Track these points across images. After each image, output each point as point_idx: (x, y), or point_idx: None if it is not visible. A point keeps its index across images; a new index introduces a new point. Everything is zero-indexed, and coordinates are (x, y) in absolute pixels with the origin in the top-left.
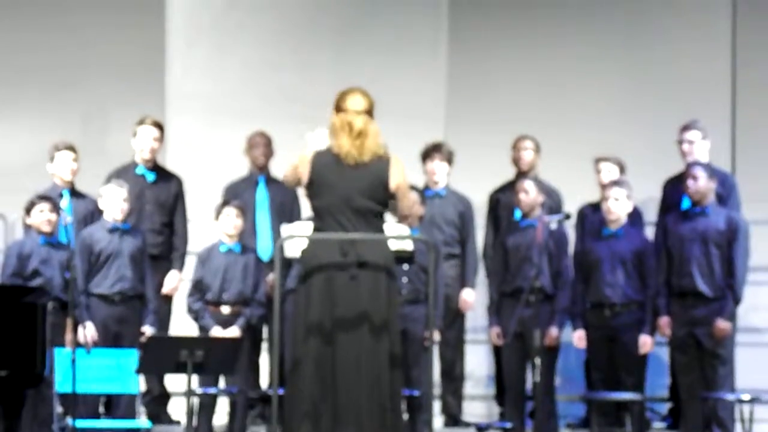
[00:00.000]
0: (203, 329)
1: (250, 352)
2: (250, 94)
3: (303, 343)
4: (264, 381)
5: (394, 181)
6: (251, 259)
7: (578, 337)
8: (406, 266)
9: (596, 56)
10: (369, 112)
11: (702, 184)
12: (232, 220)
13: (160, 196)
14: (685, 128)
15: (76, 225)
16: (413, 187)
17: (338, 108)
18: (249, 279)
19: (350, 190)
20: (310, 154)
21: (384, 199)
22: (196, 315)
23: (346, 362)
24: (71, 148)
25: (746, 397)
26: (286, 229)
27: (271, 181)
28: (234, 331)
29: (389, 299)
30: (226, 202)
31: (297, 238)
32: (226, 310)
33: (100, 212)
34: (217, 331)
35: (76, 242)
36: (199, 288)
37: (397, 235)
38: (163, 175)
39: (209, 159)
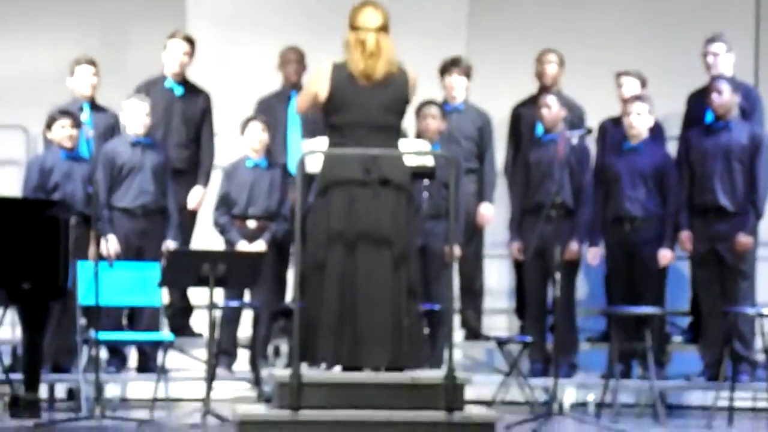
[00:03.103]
0: (229, 243)
1: (275, 266)
2: (270, 7)
3: (324, 249)
4: (289, 295)
5: (411, 96)
6: (277, 174)
7: (592, 255)
8: (426, 181)
9: None
10: (383, 28)
11: (726, 97)
12: (257, 134)
13: (188, 110)
14: (710, 41)
15: (96, 139)
16: (433, 102)
17: (351, 25)
18: (275, 194)
19: (371, 107)
20: (328, 68)
21: (403, 114)
22: (222, 229)
23: (368, 281)
24: (91, 62)
25: (767, 311)
26: (307, 144)
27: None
28: (260, 245)
29: (408, 225)
30: (251, 117)
31: (318, 152)
32: (252, 224)
33: (120, 127)
34: (243, 245)
35: (99, 156)
36: (225, 202)
37: (419, 151)
38: (191, 89)
39: (232, 72)
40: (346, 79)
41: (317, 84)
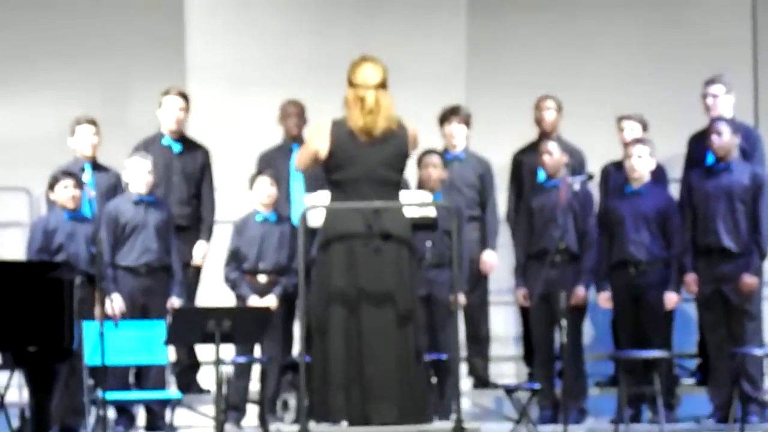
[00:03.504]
0: (240, 298)
1: (285, 320)
2: (270, 62)
3: (326, 310)
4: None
5: (412, 151)
6: (286, 228)
7: (603, 299)
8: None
9: (616, 14)
10: (382, 84)
11: (726, 139)
12: (266, 189)
13: (187, 166)
14: (710, 82)
15: (99, 199)
16: (434, 151)
17: (350, 82)
18: (285, 248)
19: (371, 163)
20: (328, 124)
21: (403, 169)
22: (233, 284)
23: (373, 337)
24: (92, 122)
25: None
26: (309, 198)
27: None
28: (271, 300)
29: (411, 269)
30: (260, 172)
31: (320, 207)
32: (263, 279)
33: (123, 185)
34: (254, 300)
35: (102, 215)
36: (235, 257)
37: (420, 202)
38: (189, 145)
39: (234, 128)
40: (346, 136)
41: (317, 141)
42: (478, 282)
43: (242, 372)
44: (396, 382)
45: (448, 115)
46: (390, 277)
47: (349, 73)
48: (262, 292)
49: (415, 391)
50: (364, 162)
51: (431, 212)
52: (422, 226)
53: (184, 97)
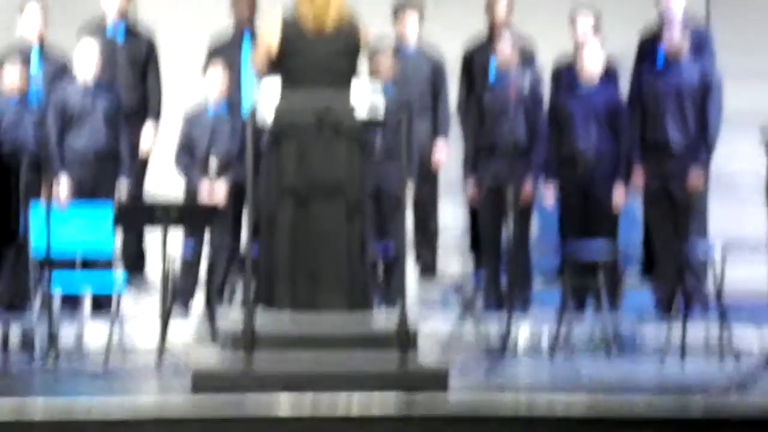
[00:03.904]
0: (191, 183)
1: (235, 210)
2: None
3: (277, 203)
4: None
5: (363, 46)
6: (238, 117)
7: (546, 196)
8: None
9: None
10: None
11: (676, 38)
12: (218, 77)
13: (132, 52)
14: None
15: (46, 83)
16: (386, 42)
17: None
18: (236, 138)
19: (322, 54)
20: (278, 18)
21: (355, 62)
22: (184, 168)
23: (322, 228)
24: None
25: (718, 246)
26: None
27: (256, 35)
28: (221, 187)
29: (362, 174)
30: (212, 60)
31: (270, 98)
32: (213, 166)
33: (71, 69)
34: (204, 186)
35: (49, 99)
36: (186, 147)
37: (370, 97)
38: (133, 33)
39: (183, 11)
40: (296, 29)
41: (268, 36)
42: (428, 175)
43: (192, 258)
44: (342, 271)
45: (401, 9)
46: (340, 171)
47: None
48: (212, 180)
49: (360, 282)
50: (314, 53)
51: (380, 107)
52: (370, 123)
53: None
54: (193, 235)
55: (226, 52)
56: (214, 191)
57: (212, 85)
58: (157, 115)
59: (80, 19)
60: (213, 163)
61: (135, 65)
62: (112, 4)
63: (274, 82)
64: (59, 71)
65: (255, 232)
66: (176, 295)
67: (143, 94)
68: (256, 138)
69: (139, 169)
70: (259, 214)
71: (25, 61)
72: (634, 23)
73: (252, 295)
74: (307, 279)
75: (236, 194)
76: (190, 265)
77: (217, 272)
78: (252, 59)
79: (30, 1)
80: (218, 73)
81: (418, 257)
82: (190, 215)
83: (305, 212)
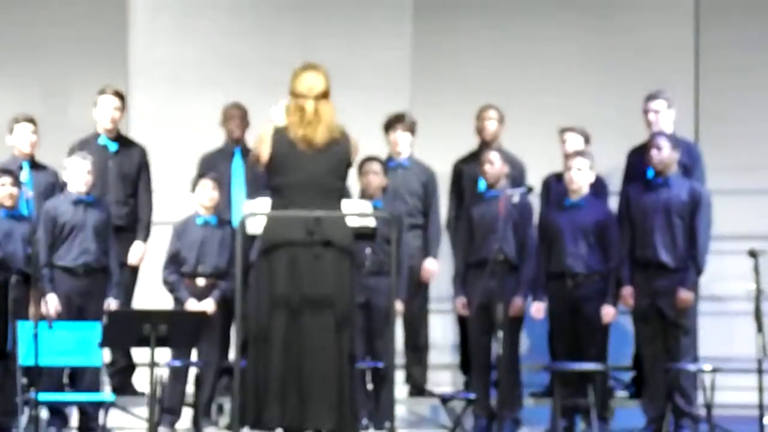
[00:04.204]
0: (178, 301)
1: (223, 324)
2: (213, 64)
3: (268, 316)
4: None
5: (353, 159)
6: (227, 231)
7: (536, 309)
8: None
9: (561, 25)
10: (324, 95)
11: (665, 154)
12: (208, 192)
13: (123, 166)
14: (650, 98)
15: (36, 198)
16: (375, 158)
17: (292, 91)
18: (225, 252)
19: (312, 170)
20: (270, 131)
21: (345, 177)
22: (171, 287)
23: (312, 342)
24: (31, 120)
25: (708, 367)
26: (249, 204)
27: (246, 152)
28: (209, 304)
29: (351, 276)
30: (202, 174)
31: (260, 214)
32: (201, 282)
33: (61, 184)
34: (192, 304)
35: (40, 214)
36: (175, 260)
37: (360, 212)
38: (125, 144)
39: (175, 129)
40: (286, 144)
41: (260, 146)
42: (418, 289)
43: (178, 375)
44: (333, 391)
45: (393, 123)
46: (330, 284)
47: (291, 82)
48: (200, 295)
49: (347, 397)
50: (304, 169)
51: (371, 222)
52: (362, 235)
53: (120, 96)
54: (181, 352)
55: (217, 167)
56: (202, 309)
57: (201, 198)
58: (146, 233)
59: (70, 134)
60: (200, 281)
61: (126, 177)
62: (104, 116)
63: (264, 200)
64: (50, 186)
65: (244, 347)
66: (163, 412)
67: (134, 208)
68: (246, 251)
69: (128, 284)
70: (249, 328)
71: (16, 176)
72: (623, 140)
73: (239, 415)
74: (297, 397)
75: (225, 310)
76: (177, 380)
77: (205, 389)
78: (250, 159)
79: (21, 121)
80: (208, 187)
81: (408, 375)
82: (178, 331)
83: (295, 325)
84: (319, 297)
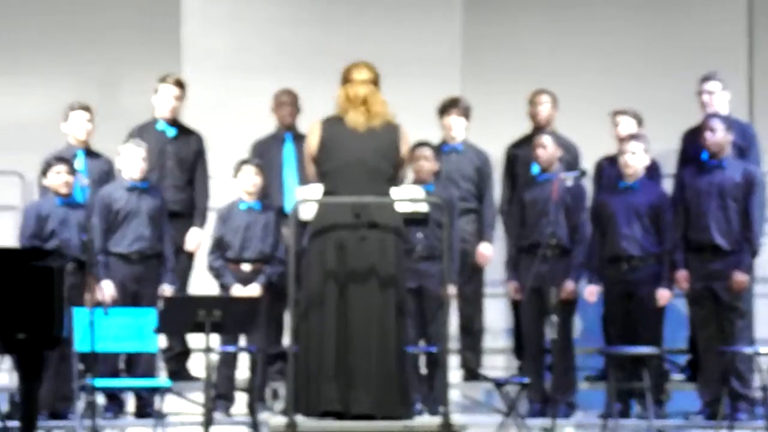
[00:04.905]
0: (224, 287)
1: (271, 309)
2: (265, 51)
3: (321, 285)
4: (286, 337)
5: (402, 152)
6: (271, 216)
7: (589, 292)
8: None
9: (613, 8)
10: (374, 82)
11: (719, 136)
12: (250, 177)
13: (181, 152)
14: (705, 79)
15: (91, 185)
16: (426, 143)
17: (345, 80)
18: (269, 237)
19: (364, 152)
20: (317, 122)
21: (394, 163)
22: (216, 273)
23: (358, 322)
24: (86, 108)
25: (764, 349)
26: (300, 191)
27: (297, 138)
28: (254, 289)
29: (397, 256)
30: (244, 160)
31: (311, 200)
32: (246, 267)
33: (115, 172)
34: (237, 289)
35: (95, 201)
36: (219, 246)
37: (411, 198)
38: (183, 131)
39: (227, 116)
40: (336, 128)
41: (310, 144)
42: (473, 274)
43: (228, 361)
44: (384, 371)
45: (447, 107)
46: (374, 255)
47: (344, 73)
48: (246, 280)
49: (395, 382)
50: (354, 150)
51: (423, 207)
52: (414, 220)
53: (181, 85)
54: (230, 338)
55: (268, 153)
56: (248, 294)
57: (244, 184)
58: (203, 219)
59: (124, 121)
60: (245, 266)
61: (184, 163)
62: (164, 103)
63: (315, 187)
64: (104, 174)
65: (296, 333)
66: (217, 398)
67: (190, 194)
68: (298, 237)
69: (184, 269)
70: (302, 310)
71: (71, 164)
72: (677, 123)
73: (293, 400)
74: (349, 382)
75: (270, 295)
76: (227, 366)
77: (257, 375)
78: (305, 173)
79: (76, 109)
80: (250, 173)
81: (462, 359)
82: (232, 317)
83: (345, 308)
84: (364, 277)
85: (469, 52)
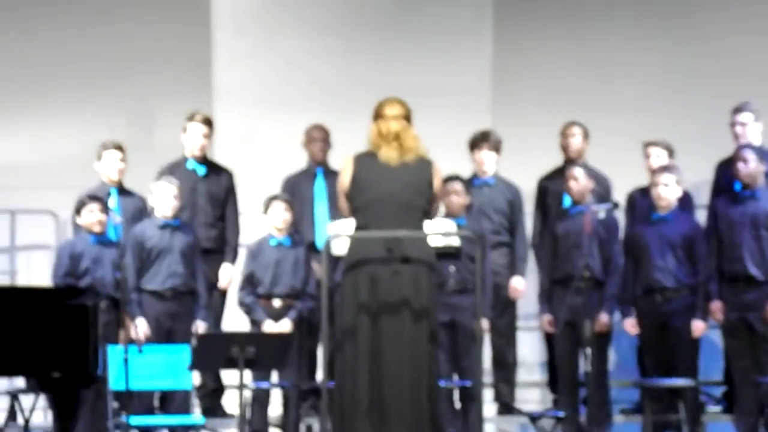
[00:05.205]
0: (255, 323)
1: (303, 344)
2: (295, 86)
3: (355, 317)
4: (319, 373)
5: (435, 187)
6: (301, 252)
7: (630, 324)
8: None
9: (643, 39)
10: (407, 118)
11: (752, 167)
12: (280, 213)
13: (212, 189)
14: (737, 110)
15: (124, 223)
16: (456, 177)
17: (377, 115)
18: (300, 272)
19: (397, 187)
20: (350, 158)
21: (427, 197)
22: (247, 309)
23: (391, 355)
24: (119, 147)
25: None
26: (332, 226)
27: (329, 173)
28: (286, 324)
29: (429, 289)
30: (274, 196)
31: (344, 236)
32: (277, 303)
33: (148, 209)
34: (269, 325)
35: (128, 239)
36: (250, 281)
37: (443, 232)
38: (213, 168)
39: (258, 150)
40: (369, 163)
41: (343, 179)
42: (506, 308)
43: (262, 397)
44: (408, 406)
45: (478, 141)
46: (407, 288)
47: (376, 109)
48: (277, 316)
49: (428, 416)
50: (387, 185)
51: (455, 241)
52: (446, 254)
53: (209, 123)
54: (262, 374)
55: (299, 189)
56: (280, 330)
57: (274, 220)
58: (234, 255)
59: (156, 156)
60: (276, 302)
61: (215, 200)
62: (193, 142)
63: (347, 222)
64: (137, 212)
65: (330, 368)
66: None
67: (222, 230)
68: (331, 272)
69: (217, 306)
70: (335, 345)
71: (104, 202)
72: (709, 153)
73: None
74: (383, 417)
75: (301, 330)
76: (260, 402)
77: (291, 411)
78: (338, 208)
79: (109, 148)
80: (280, 209)
81: (496, 393)
82: (265, 353)
83: (378, 335)
84: (398, 312)
85: (499, 83)
